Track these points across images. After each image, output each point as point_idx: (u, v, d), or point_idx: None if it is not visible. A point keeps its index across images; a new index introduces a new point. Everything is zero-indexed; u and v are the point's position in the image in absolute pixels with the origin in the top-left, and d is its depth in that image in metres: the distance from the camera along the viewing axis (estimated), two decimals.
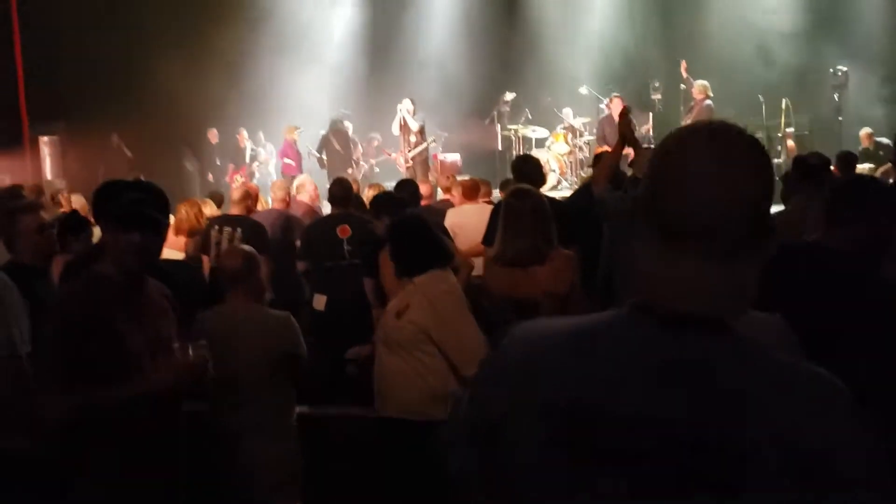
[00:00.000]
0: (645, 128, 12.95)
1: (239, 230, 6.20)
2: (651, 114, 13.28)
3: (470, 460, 1.33)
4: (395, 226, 3.80)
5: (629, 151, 4.72)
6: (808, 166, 4.58)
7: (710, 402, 1.12)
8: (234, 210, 6.67)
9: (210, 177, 14.68)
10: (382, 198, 5.55)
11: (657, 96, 13.24)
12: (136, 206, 2.52)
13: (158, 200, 2.60)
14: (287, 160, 13.21)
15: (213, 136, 14.70)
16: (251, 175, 13.80)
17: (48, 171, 13.82)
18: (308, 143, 13.71)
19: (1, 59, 13.12)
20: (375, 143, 14.26)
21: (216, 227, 6.29)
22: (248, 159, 14.08)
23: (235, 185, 12.66)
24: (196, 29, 14.11)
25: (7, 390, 2.70)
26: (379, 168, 14.22)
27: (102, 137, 14.22)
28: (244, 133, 14.20)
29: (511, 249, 3.83)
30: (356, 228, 5.73)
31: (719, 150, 1.15)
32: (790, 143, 11.64)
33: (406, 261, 3.58)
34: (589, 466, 1.14)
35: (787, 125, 12.04)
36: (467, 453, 1.33)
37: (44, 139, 14.03)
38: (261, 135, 14.53)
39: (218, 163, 14.71)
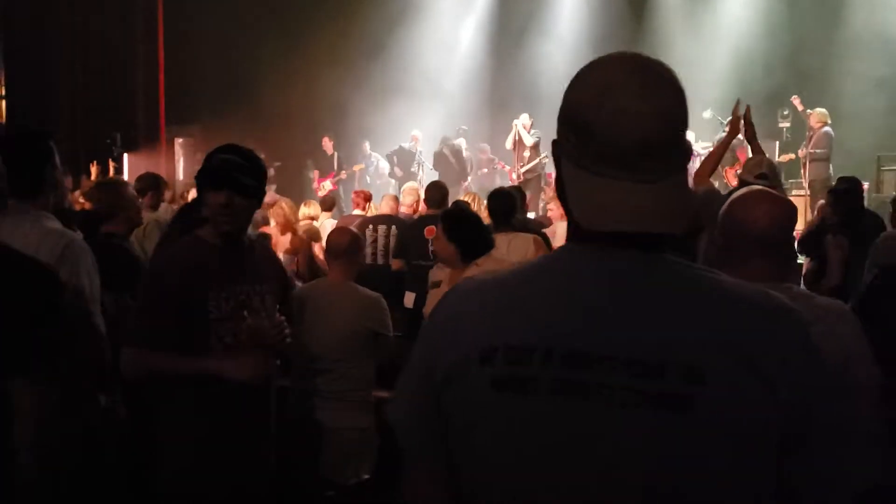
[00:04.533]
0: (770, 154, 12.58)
1: (393, 227, 6.61)
2: (777, 142, 12.84)
3: (416, 429, 1.27)
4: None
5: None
6: None
7: (655, 320, 1.11)
8: (384, 210, 7.25)
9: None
10: (492, 197, 5.60)
11: (785, 124, 12.78)
12: (222, 165, 2.51)
13: (251, 165, 2.55)
14: None
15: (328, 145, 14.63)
16: (339, 182, 13.89)
17: (181, 170, 14.58)
18: (425, 157, 13.93)
19: (146, 64, 13.98)
20: (485, 155, 14.22)
21: (370, 225, 6.72)
22: (335, 166, 14.19)
23: (322, 192, 12.97)
24: (322, 37, 14.59)
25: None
26: (487, 181, 14.21)
27: (233, 141, 14.81)
28: (328, 141, 14.29)
29: None
30: None
31: (642, 75, 1.13)
32: None
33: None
34: (538, 403, 1.12)
35: None
36: (415, 420, 1.27)
37: (179, 140, 14.83)
38: (366, 145, 14.54)
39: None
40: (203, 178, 2.57)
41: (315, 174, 14.39)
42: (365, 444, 3.55)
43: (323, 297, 3.62)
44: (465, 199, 7.20)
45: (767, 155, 12.10)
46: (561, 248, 1.23)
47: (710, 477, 1.06)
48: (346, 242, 3.73)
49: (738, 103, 5.01)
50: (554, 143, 1.21)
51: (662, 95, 1.12)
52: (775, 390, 1.07)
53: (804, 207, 10.85)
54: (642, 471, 1.07)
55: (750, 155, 4.80)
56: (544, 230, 6.63)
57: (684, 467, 1.06)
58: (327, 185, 13.70)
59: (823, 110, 11.23)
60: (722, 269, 2.12)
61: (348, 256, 3.71)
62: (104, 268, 2.80)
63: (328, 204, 9.31)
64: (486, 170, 14.08)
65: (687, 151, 1.16)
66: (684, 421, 1.06)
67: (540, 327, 1.15)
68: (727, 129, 11.02)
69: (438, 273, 4.26)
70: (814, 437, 1.09)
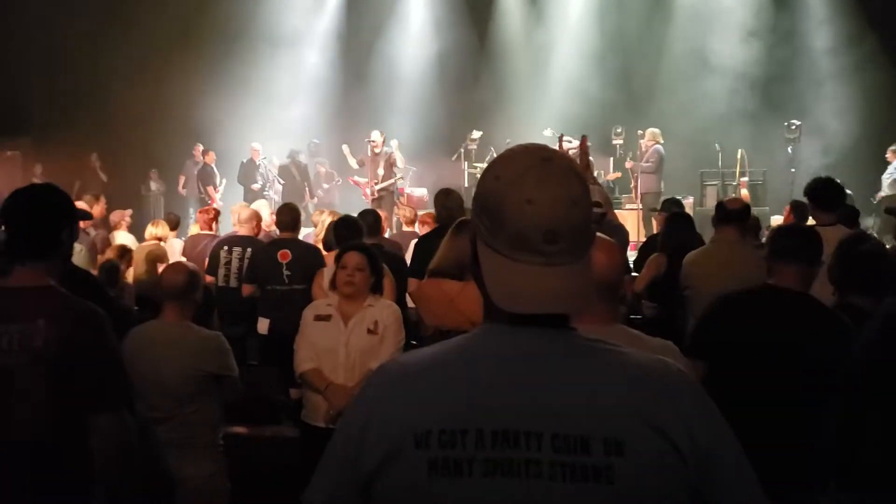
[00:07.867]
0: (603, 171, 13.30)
1: (249, 250, 6.31)
2: (612, 158, 13.56)
3: None
4: None
5: None
6: (727, 211, 4.88)
7: (574, 395, 1.22)
8: (242, 231, 6.72)
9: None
10: (342, 224, 5.51)
11: (618, 141, 13.51)
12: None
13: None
14: None
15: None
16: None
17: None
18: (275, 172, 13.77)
19: None
20: (324, 169, 14.23)
21: (225, 247, 6.40)
22: (215, 178, 13.85)
23: (216, 204, 12.31)
24: (169, 50, 14.07)
25: None
26: (339, 199, 14.17)
27: (74, 154, 13.99)
28: (201, 148, 13.98)
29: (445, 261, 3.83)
30: (297, 253, 5.78)
31: (547, 167, 1.24)
32: (744, 191, 11.92)
33: None
34: (472, 485, 1.20)
35: (742, 174, 12.34)
36: None
37: (6, 154, 13.95)
38: (199, 148, 14.13)
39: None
40: None
41: (209, 189, 13.72)
42: (214, 490, 3.51)
43: (157, 341, 3.49)
44: (327, 216, 6.97)
45: (602, 170, 12.92)
46: (481, 327, 1.30)
47: None
48: (182, 283, 3.56)
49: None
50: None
51: (566, 185, 1.22)
52: (682, 453, 1.21)
53: (637, 220, 11.55)
54: None
55: None
56: (399, 252, 6.63)
57: None
58: (219, 198, 13.16)
59: (656, 130, 12.21)
60: None
61: (185, 297, 3.57)
62: None
63: (173, 223, 9.00)
64: (327, 185, 14.10)
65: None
66: (608, 491, 1.18)
67: (469, 408, 1.22)
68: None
69: (323, 306, 4.13)
70: (718, 482, 1.25)
